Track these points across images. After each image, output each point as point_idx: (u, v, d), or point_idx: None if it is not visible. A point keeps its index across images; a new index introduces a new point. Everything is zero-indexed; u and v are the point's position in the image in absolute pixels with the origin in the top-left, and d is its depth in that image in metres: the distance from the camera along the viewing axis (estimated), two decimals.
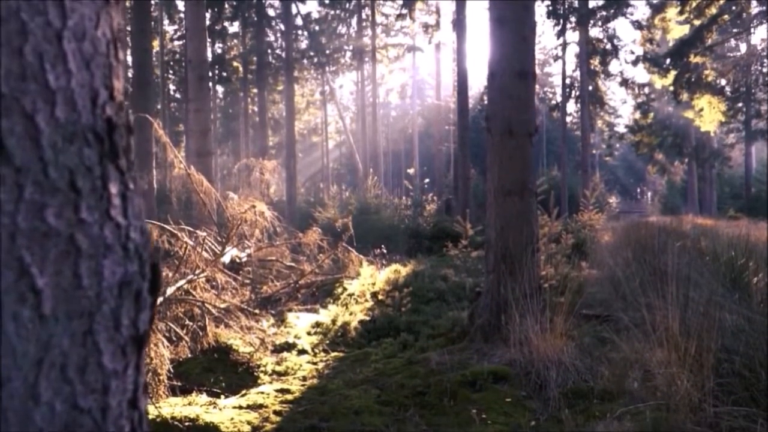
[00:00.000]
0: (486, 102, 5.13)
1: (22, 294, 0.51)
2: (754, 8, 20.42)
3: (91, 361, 0.56)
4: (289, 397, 3.82)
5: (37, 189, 0.52)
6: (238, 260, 7.43)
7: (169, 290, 5.01)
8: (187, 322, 4.89)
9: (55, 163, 0.54)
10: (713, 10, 19.52)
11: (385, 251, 9.01)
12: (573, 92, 28.23)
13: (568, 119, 34.75)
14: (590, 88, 26.03)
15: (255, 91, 28.47)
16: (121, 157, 0.61)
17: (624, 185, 59.57)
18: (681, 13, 20.04)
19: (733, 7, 20.09)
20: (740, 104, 27.53)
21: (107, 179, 0.58)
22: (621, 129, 39.32)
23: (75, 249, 0.55)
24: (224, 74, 28.09)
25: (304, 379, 4.29)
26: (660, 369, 3.40)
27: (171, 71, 31.78)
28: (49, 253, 0.53)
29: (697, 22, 19.98)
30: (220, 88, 32.54)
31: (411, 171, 19.78)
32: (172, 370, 3.81)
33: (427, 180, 17.49)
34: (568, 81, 27.68)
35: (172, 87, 32.86)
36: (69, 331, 0.54)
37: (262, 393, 3.88)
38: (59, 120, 0.54)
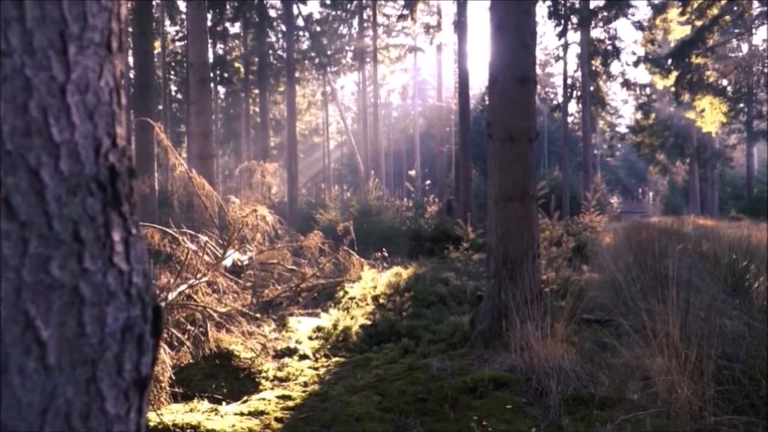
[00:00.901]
0: (487, 103, 5.14)
1: (27, 347, 0.52)
2: (756, 9, 20.40)
3: (94, 407, 0.57)
4: (291, 403, 3.83)
5: (42, 242, 0.53)
6: (239, 263, 7.45)
7: (171, 295, 5.03)
8: (189, 327, 4.90)
9: (60, 216, 0.55)
10: (714, 11, 19.51)
11: (386, 254, 9.01)
12: (574, 93, 28.22)
13: (570, 119, 34.75)
14: (591, 88, 26.03)
15: (256, 91, 28.49)
16: (124, 203, 0.61)
17: (625, 185, 59.54)
18: (682, 14, 20.04)
19: (735, 8, 20.05)
20: (742, 105, 27.50)
21: (110, 227, 0.59)
22: (622, 129, 39.32)
23: (79, 299, 0.56)
24: (226, 75, 28.11)
25: (306, 384, 4.30)
26: (660, 376, 3.40)
27: (172, 72, 31.84)
28: (54, 305, 0.54)
29: (698, 23, 19.97)
30: (221, 89, 32.58)
31: (412, 173, 19.80)
32: (173, 377, 3.83)
33: (428, 182, 17.47)
34: (569, 81, 27.66)
35: (173, 88, 32.92)
36: (73, 380, 0.55)
37: (264, 399, 3.89)
38: (63, 173, 0.55)
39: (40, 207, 0.53)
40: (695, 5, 19.59)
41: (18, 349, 0.52)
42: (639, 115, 28.33)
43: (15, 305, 0.52)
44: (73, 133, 0.56)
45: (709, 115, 19.86)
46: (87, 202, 0.57)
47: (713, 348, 3.31)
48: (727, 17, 20.05)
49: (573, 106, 32.96)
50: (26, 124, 0.53)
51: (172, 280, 5.00)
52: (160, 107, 28.40)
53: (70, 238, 0.55)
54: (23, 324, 0.52)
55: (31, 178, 0.53)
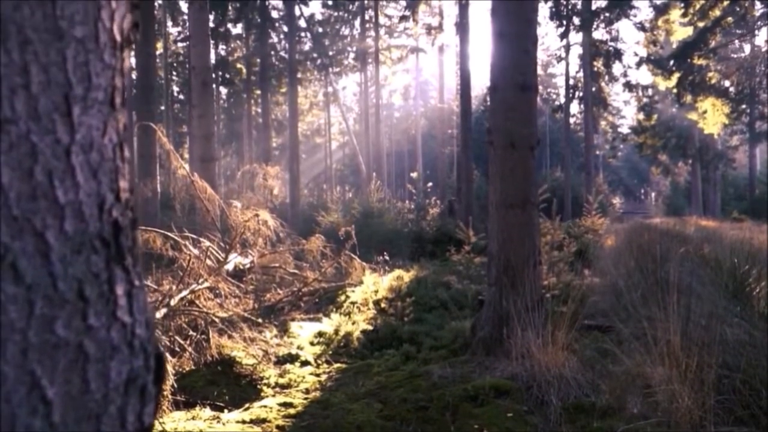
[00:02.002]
0: (489, 104, 5.15)
1: (33, 407, 0.53)
2: (758, 10, 20.37)
3: None
4: (292, 411, 3.84)
5: (47, 303, 0.55)
6: (241, 267, 7.47)
7: (173, 301, 5.04)
8: (191, 332, 4.92)
9: (64, 276, 0.56)
10: (717, 12, 19.48)
11: (387, 257, 9.03)
12: (576, 93, 28.20)
13: (572, 120, 34.72)
14: (593, 89, 26.01)
15: (258, 92, 28.53)
16: (127, 256, 0.63)
17: (627, 186, 59.47)
18: (684, 15, 20.02)
19: (737, 8, 20.03)
20: (744, 106, 27.46)
21: (114, 282, 0.60)
22: (624, 130, 39.28)
23: (83, 356, 0.57)
24: (227, 76, 28.14)
25: (307, 391, 4.31)
26: (661, 385, 3.41)
27: (174, 73, 31.88)
28: (59, 364, 0.55)
29: (700, 24, 19.95)
30: (223, 90, 32.62)
31: (414, 175, 19.80)
32: (175, 385, 3.84)
33: (430, 183, 17.50)
34: (571, 82, 27.65)
35: (175, 89, 32.96)
36: None
37: (265, 407, 3.90)
38: (68, 233, 0.56)
39: (46, 268, 0.55)
40: (697, 6, 19.57)
41: (24, 410, 0.53)
42: (641, 116, 28.31)
43: (21, 366, 0.53)
44: (77, 192, 0.58)
45: (711, 117, 19.85)
46: (91, 259, 0.58)
47: (714, 357, 3.31)
48: (730, 18, 20.02)
49: (575, 107, 32.95)
50: (32, 188, 0.54)
51: (174, 287, 5.01)
52: (162, 108, 28.44)
53: (75, 297, 0.57)
54: (29, 384, 0.53)
55: (36, 241, 0.54)
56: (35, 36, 0.54)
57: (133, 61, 16.34)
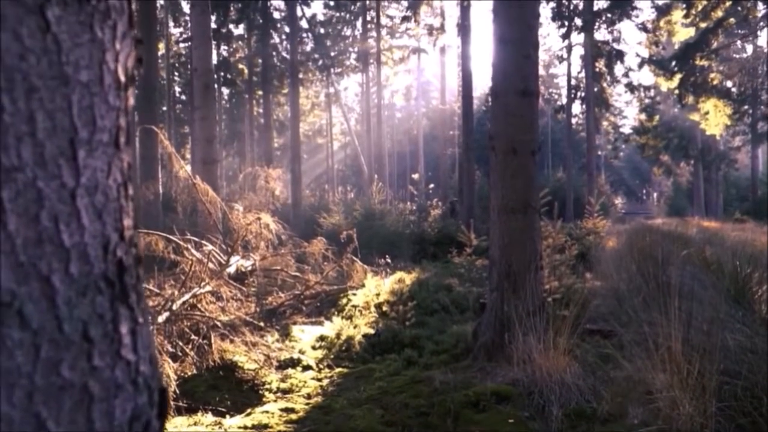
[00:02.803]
0: (490, 104, 5.15)
1: None
2: (761, 11, 20.33)
3: None
4: (294, 416, 3.85)
5: (53, 346, 0.55)
6: (243, 269, 7.49)
7: (175, 305, 5.06)
8: (193, 336, 4.93)
9: (70, 318, 0.57)
10: (719, 13, 19.47)
11: (389, 260, 9.04)
12: (578, 94, 28.18)
13: (573, 121, 34.69)
14: (595, 89, 25.99)
15: (260, 93, 28.55)
16: (131, 294, 0.64)
17: (629, 186, 59.41)
18: (687, 16, 20.00)
19: (739, 8, 20.00)
20: (746, 107, 27.42)
21: (118, 322, 0.61)
22: (627, 130, 39.26)
23: (88, 396, 0.58)
24: (229, 77, 28.16)
25: (309, 396, 4.32)
26: (662, 392, 3.41)
27: (176, 73, 31.92)
28: (64, 405, 0.56)
29: (702, 25, 19.93)
30: (225, 91, 32.65)
31: (416, 176, 19.80)
32: (177, 391, 3.85)
33: (431, 185, 17.54)
34: (573, 83, 27.63)
35: (177, 89, 33.01)
36: None
37: (267, 412, 3.91)
38: (73, 275, 0.57)
39: (51, 312, 0.56)
40: (699, 7, 19.55)
41: None
42: (643, 117, 28.29)
43: (27, 409, 0.54)
44: (82, 235, 0.58)
45: (713, 118, 19.83)
46: (96, 300, 0.59)
47: (715, 363, 3.31)
48: (732, 19, 19.99)
49: (577, 108, 32.93)
50: (38, 233, 0.55)
51: (176, 291, 5.02)
52: (164, 108, 28.47)
53: (80, 339, 0.57)
54: (35, 426, 0.54)
55: (42, 286, 0.55)
56: (41, 83, 0.55)
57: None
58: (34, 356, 0.54)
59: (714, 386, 3.20)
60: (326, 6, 30.78)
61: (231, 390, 4.35)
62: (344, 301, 7.08)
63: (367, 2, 28.30)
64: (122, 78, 0.64)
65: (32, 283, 0.54)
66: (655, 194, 58.13)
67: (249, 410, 4.02)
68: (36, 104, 0.55)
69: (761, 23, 21.61)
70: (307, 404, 4.13)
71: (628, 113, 47.58)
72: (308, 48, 29.82)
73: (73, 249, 0.57)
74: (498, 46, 4.54)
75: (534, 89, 4.53)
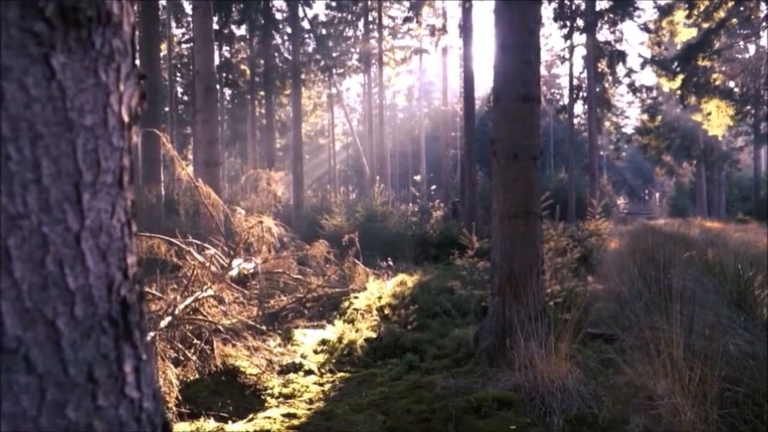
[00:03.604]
0: (492, 115, 5.15)
1: None
2: (763, 11, 20.30)
3: None
4: (296, 422, 3.86)
5: (58, 389, 0.56)
6: (245, 272, 7.50)
7: (177, 310, 5.06)
8: (195, 340, 4.94)
9: (75, 361, 0.58)
10: (721, 14, 19.44)
11: (391, 263, 9.05)
12: (580, 94, 28.15)
13: (576, 121, 34.66)
14: (597, 89, 25.97)
15: (262, 94, 28.58)
16: (135, 332, 0.64)
17: (632, 186, 59.33)
18: (689, 16, 19.97)
19: (741, 9, 19.96)
20: (749, 107, 27.37)
21: (122, 360, 0.62)
22: (629, 130, 39.17)
23: None
24: (231, 78, 28.19)
25: (311, 402, 4.33)
26: (664, 399, 3.41)
27: (178, 74, 31.97)
28: None
29: (705, 25, 19.90)
30: (227, 92, 32.69)
31: (418, 178, 19.82)
32: (180, 397, 3.86)
33: (433, 187, 17.56)
34: (575, 83, 27.60)
35: (179, 90, 33.05)
36: None
37: (269, 418, 3.92)
38: (78, 318, 0.58)
39: (57, 355, 0.56)
40: (702, 8, 19.53)
41: None
42: (645, 117, 28.25)
43: None
44: (87, 277, 0.59)
45: (715, 118, 19.80)
46: (100, 341, 0.60)
47: (717, 370, 3.31)
48: (734, 20, 19.96)
49: (579, 108, 32.89)
50: (43, 278, 0.56)
51: (178, 296, 5.03)
52: (167, 109, 28.51)
53: (85, 380, 0.58)
54: None
55: (48, 330, 0.56)
56: (46, 130, 0.56)
57: (137, 63, 16.29)
58: (40, 400, 0.55)
59: (715, 393, 3.20)
60: (328, 7, 30.79)
61: (233, 395, 4.36)
62: (346, 304, 7.09)
63: (369, 3, 28.31)
64: (126, 118, 0.65)
65: (38, 328, 0.55)
66: (657, 194, 58.06)
67: (251, 416, 4.03)
68: (41, 151, 0.55)
69: (764, 23, 21.57)
70: (309, 409, 4.14)
71: (630, 113, 47.54)
72: (310, 49, 29.85)
73: (78, 291, 0.58)
74: (499, 51, 4.54)
75: (535, 95, 4.54)
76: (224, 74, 28.18)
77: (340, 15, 30.78)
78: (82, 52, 0.58)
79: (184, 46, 30.56)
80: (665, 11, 21.71)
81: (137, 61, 0.67)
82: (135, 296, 0.65)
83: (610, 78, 26.91)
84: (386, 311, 6.78)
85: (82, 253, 0.59)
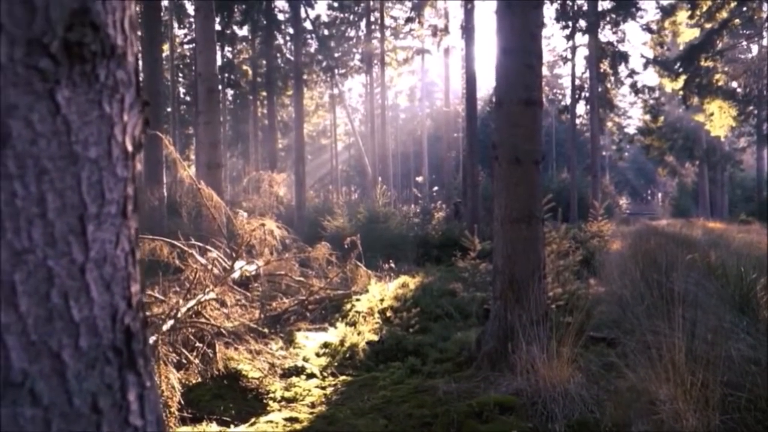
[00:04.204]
0: (494, 119, 5.15)
1: None
2: (766, 11, 20.26)
3: None
4: (298, 426, 3.87)
5: (63, 420, 0.57)
6: (247, 274, 7.50)
7: (180, 313, 5.07)
8: (197, 344, 4.95)
9: (79, 392, 0.58)
10: (724, 14, 19.41)
11: (393, 264, 9.05)
12: (582, 94, 28.12)
13: (578, 121, 34.63)
14: (600, 89, 25.94)
15: (264, 95, 28.59)
16: (138, 360, 0.65)
17: (634, 187, 59.24)
18: (691, 17, 19.94)
19: (744, 9, 19.93)
20: (752, 108, 27.32)
21: (126, 389, 0.63)
22: (631, 130, 39.15)
23: None
24: (233, 79, 28.22)
25: (313, 405, 4.33)
26: (666, 404, 3.41)
27: (181, 75, 32.01)
28: None
29: (707, 26, 19.88)
30: (229, 92, 32.72)
31: (420, 179, 19.83)
32: (182, 401, 3.87)
33: (435, 188, 17.55)
34: (577, 83, 27.58)
35: (182, 90, 33.09)
36: None
37: (271, 422, 3.93)
38: (83, 349, 0.59)
39: (62, 387, 0.57)
40: (704, 8, 19.50)
41: None
42: (648, 118, 28.21)
43: None
44: (92, 308, 0.60)
45: (718, 119, 19.77)
46: (105, 371, 0.61)
47: (719, 375, 3.31)
48: (737, 20, 19.93)
49: (581, 108, 32.87)
50: (48, 311, 0.56)
51: (181, 300, 5.05)
52: (169, 110, 28.55)
53: (89, 411, 0.59)
54: None
55: (53, 362, 0.57)
56: (51, 165, 0.56)
57: (139, 64, 16.34)
58: (45, 431, 0.56)
59: (717, 398, 3.20)
60: (330, 7, 30.80)
61: (235, 399, 4.36)
62: (348, 306, 7.09)
63: (371, 3, 28.31)
64: (130, 148, 0.65)
65: (43, 361, 0.56)
66: (659, 195, 57.98)
67: (253, 419, 4.04)
68: (47, 186, 0.56)
69: (766, 24, 21.53)
70: (311, 413, 4.15)
71: (632, 113, 47.50)
72: (312, 49, 29.86)
73: (82, 323, 0.59)
74: (501, 55, 4.54)
75: (537, 99, 4.54)
76: (226, 75, 28.21)
77: (342, 15, 30.79)
78: (87, 85, 0.59)
79: (186, 46, 30.59)
80: (668, 12, 21.68)
81: (141, 89, 0.68)
82: (139, 324, 0.66)
83: (613, 78, 26.87)
84: (388, 314, 6.78)
85: (86, 284, 0.59)
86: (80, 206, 0.59)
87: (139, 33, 13.22)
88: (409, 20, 25.66)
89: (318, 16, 30.65)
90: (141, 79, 0.65)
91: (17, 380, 0.53)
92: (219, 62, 24.06)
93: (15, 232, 0.54)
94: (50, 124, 0.56)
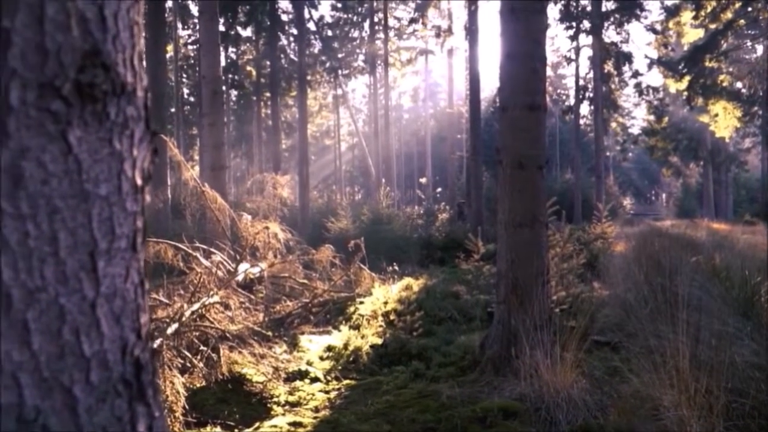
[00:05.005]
0: (498, 124, 5.16)
1: None
2: None
3: None
4: (302, 431, 3.88)
5: None
6: (251, 276, 7.52)
7: (184, 317, 5.09)
8: (202, 347, 4.96)
9: (90, 425, 0.59)
10: (729, 15, 19.35)
11: (396, 267, 9.06)
12: (586, 95, 28.06)
13: (581, 121, 34.57)
14: (603, 89, 25.89)
15: (268, 95, 28.62)
16: (148, 390, 0.66)
17: (638, 187, 59.10)
18: (696, 17, 19.89)
19: (749, 9, 19.86)
20: (756, 108, 27.22)
21: (136, 421, 0.64)
22: (635, 130, 39.07)
23: None
24: (237, 79, 28.27)
25: (317, 410, 4.34)
26: (669, 410, 3.41)
27: (184, 75, 32.06)
28: None
29: (712, 26, 19.82)
30: (233, 93, 32.77)
31: (423, 180, 19.84)
32: (186, 406, 3.89)
33: (439, 189, 17.57)
34: (581, 83, 27.53)
35: (185, 91, 33.15)
36: None
37: (275, 426, 3.94)
38: (93, 384, 0.60)
39: (73, 421, 0.58)
40: (709, 9, 19.44)
41: None
42: (652, 118, 28.14)
43: None
44: (102, 342, 0.61)
45: (722, 120, 19.72)
46: (115, 404, 0.62)
47: (723, 381, 3.31)
48: (742, 21, 19.87)
49: (585, 109, 32.81)
50: (60, 348, 0.57)
51: (185, 304, 5.06)
52: (173, 110, 28.60)
53: None
54: None
55: (64, 397, 0.58)
56: (63, 203, 0.57)
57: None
58: None
59: (721, 405, 3.19)
60: (334, 8, 30.83)
61: (240, 403, 4.38)
62: (352, 309, 7.10)
63: (375, 4, 28.33)
64: (139, 182, 0.66)
65: (55, 396, 0.57)
66: (663, 195, 57.85)
67: (257, 424, 4.04)
68: (59, 225, 0.57)
69: None
70: (315, 418, 4.16)
71: (636, 114, 47.37)
72: (316, 50, 29.89)
73: (93, 357, 0.60)
74: (505, 60, 4.55)
75: (541, 103, 4.54)
76: (230, 76, 28.25)
77: (345, 16, 30.81)
78: (98, 124, 0.60)
79: (190, 47, 30.66)
80: (672, 12, 21.63)
81: (150, 120, 0.69)
82: (148, 354, 0.67)
83: (617, 79, 26.82)
84: (392, 317, 6.79)
85: (97, 319, 0.60)
86: (91, 243, 0.60)
87: (144, 35, 13.22)
88: (412, 21, 25.66)
89: (322, 17, 30.82)
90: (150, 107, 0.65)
91: (30, 417, 0.54)
92: (223, 63, 24.14)
93: (28, 272, 0.55)
94: (62, 164, 0.57)
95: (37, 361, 0.55)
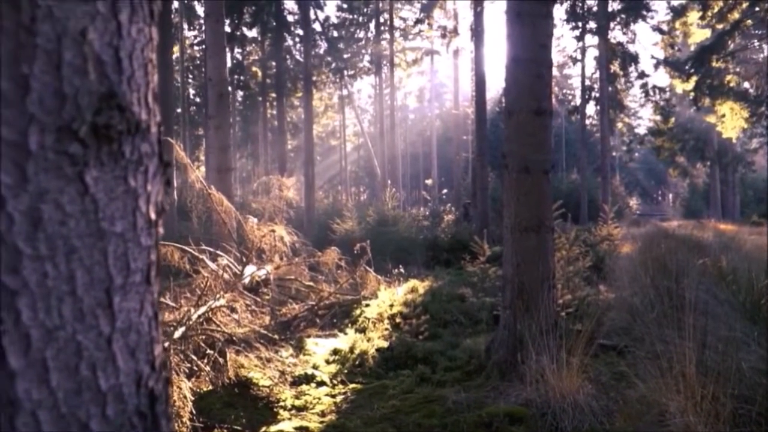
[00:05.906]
0: (504, 129, 5.16)
1: None
2: None
3: None
4: None
5: None
6: (257, 279, 7.55)
7: (191, 320, 5.11)
8: (208, 350, 4.98)
9: None
10: (736, 15, 19.25)
11: (402, 269, 9.07)
12: (592, 95, 27.99)
13: (587, 121, 34.48)
14: (610, 90, 25.82)
15: (274, 96, 28.69)
16: (162, 421, 0.67)
17: (644, 188, 58.90)
18: (702, 17, 19.81)
19: (756, 9, 19.76)
20: (763, 108, 27.08)
21: None
22: (641, 130, 38.92)
23: None
24: (243, 80, 28.34)
25: (323, 414, 4.36)
26: (676, 417, 3.40)
27: (191, 76, 32.17)
28: None
29: (719, 27, 19.74)
30: (239, 94, 32.86)
31: (429, 181, 19.84)
32: (193, 411, 3.91)
33: (444, 190, 17.58)
34: (587, 83, 27.47)
35: (191, 91, 33.27)
36: None
37: (282, 431, 3.96)
38: (109, 418, 0.61)
39: None
40: (715, 9, 19.36)
41: None
42: (658, 118, 28.04)
43: None
44: (118, 376, 0.62)
45: (729, 120, 19.64)
46: None
47: (730, 387, 3.30)
48: (749, 21, 19.77)
49: (591, 109, 32.70)
50: (77, 384, 0.59)
51: (192, 308, 5.09)
52: (179, 110, 28.69)
53: None
54: None
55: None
56: (80, 243, 0.59)
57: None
58: None
59: (728, 412, 3.19)
60: (339, 9, 30.87)
61: (246, 407, 4.40)
62: (358, 312, 7.12)
63: (381, 4, 28.34)
64: (153, 216, 0.67)
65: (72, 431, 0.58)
66: (670, 195, 57.62)
67: (264, 429, 4.06)
68: (76, 264, 0.58)
69: None
70: (321, 422, 4.18)
71: (643, 114, 47.23)
72: (321, 50, 29.92)
73: (109, 392, 0.61)
74: (511, 65, 4.55)
75: (547, 108, 4.55)
76: (236, 76, 28.33)
77: (351, 17, 30.84)
78: (113, 163, 0.61)
79: (196, 48, 30.75)
80: (678, 12, 21.54)
81: (163, 154, 0.70)
82: (162, 385, 0.68)
83: (623, 79, 26.74)
84: (397, 320, 6.80)
85: (113, 354, 0.62)
86: (107, 279, 0.61)
87: None
88: (418, 21, 25.65)
89: (327, 18, 30.76)
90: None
91: None
92: (229, 64, 24.18)
93: (46, 311, 0.56)
94: (79, 205, 0.58)
95: (55, 398, 0.56)
